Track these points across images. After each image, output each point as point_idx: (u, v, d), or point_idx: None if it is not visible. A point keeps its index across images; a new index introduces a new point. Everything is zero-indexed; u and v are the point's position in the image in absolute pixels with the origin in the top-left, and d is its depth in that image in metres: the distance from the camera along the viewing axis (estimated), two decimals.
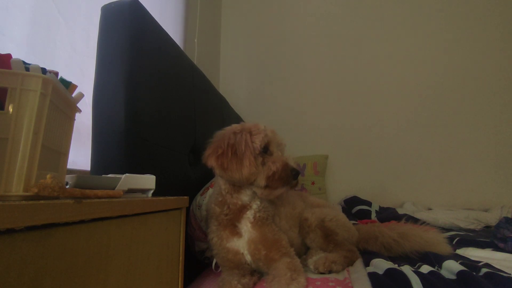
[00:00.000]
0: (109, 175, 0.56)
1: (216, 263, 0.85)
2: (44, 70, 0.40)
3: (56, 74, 0.45)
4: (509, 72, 1.95)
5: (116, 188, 0.52)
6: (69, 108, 0.48)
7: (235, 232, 0.76)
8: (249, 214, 0.76)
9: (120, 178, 0.53)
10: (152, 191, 0.62)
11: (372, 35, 2.20)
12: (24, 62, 0.39)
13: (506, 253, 0.90)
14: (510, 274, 0.69)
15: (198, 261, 0.99)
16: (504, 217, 1.14)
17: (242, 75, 2.42)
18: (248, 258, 0.76)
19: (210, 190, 0.94)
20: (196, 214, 0.93)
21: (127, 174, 0.54)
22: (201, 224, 0.91)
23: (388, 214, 1.60)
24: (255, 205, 0.78)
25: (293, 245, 0.81)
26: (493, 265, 0.77)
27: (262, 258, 0.74)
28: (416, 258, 0.87)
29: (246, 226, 0.76)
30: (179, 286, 0.66)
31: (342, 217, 0.96)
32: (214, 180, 0.92)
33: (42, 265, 0.30)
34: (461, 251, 0.95)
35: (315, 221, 0.88)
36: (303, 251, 0.91)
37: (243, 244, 0.76)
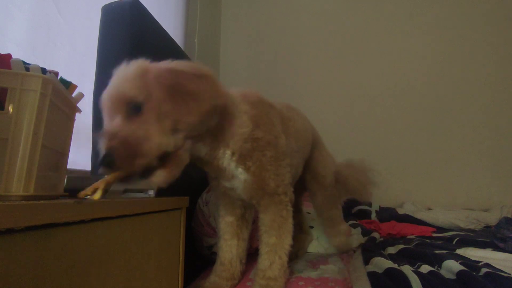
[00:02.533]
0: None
1: None
2: (44, 70, 0.40)
3: (56, 74, 0.45)
4: (509, 72, 1.95)
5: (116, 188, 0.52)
6: (69, 108, 0.49)
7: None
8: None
9: None
10: (152, 191, 0.62)
11: (373, 34, 2.20)
12: (24, 62, 0.39)
13: (506, 253, 0.90)
14: (510, 274, 0.69)
15: (198, 261, 0.99)
16: (504, 217, 1.14)
17: (242, 75, 2.42)
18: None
19: None
20: (203, 210, 0.94)
21: None
22: (210, 220, 0.92)
23: (388, 214, 1.60)
24: None
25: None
26: (493, 265, 0.76)
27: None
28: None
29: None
30: (179, 286, 0.66)
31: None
32: None
33: (42, 265, 0.30)
34: (461, 251, 0.95)
35: (330, 176, 0.83)
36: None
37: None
